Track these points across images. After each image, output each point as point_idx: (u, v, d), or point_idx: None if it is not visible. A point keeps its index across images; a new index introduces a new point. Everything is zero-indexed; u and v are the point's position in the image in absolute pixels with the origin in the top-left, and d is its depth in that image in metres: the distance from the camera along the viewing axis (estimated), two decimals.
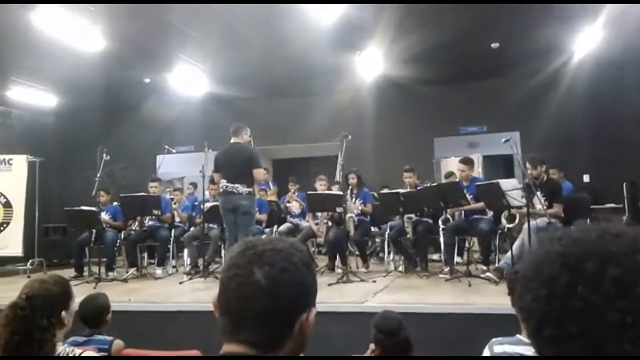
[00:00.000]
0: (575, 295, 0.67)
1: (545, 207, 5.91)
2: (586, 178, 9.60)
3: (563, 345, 0.68)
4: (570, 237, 0.73)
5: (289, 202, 8.48)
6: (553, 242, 0.74)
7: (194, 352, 3.09)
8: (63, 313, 2.13)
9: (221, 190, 6.24)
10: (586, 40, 8.17)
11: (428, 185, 7.44)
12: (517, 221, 5.90)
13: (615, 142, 9.38)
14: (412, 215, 6.90)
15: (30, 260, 8.62)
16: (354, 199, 7.30)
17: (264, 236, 6.50)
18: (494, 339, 2.35)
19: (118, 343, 3.05)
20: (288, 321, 0.98)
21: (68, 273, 7.27)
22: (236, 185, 6.07)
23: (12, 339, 1.93)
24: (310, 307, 1.02)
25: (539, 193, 5.93)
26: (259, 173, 6.29)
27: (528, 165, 6.18)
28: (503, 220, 6.04)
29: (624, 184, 8.53)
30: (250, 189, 6.15)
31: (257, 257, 0.99)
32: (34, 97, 10.42)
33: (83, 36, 7.30)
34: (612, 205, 8.84)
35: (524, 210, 5.70)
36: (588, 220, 6.30)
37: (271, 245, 1.01)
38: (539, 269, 0.73)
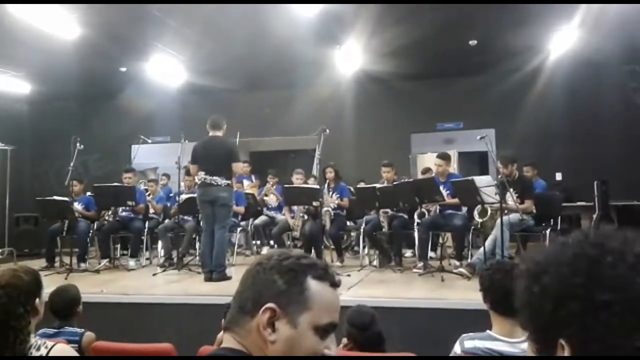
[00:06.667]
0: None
1: (517, 203, 6.01)
2: (559, 176, 9.75)
3: (588, 318, 0.74)
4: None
5: (266, 195, 8.46)
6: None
7: (167, 345, 3.07)
8: (37, 301, 2.13)
9: (199, 182, 6.20)
10: (562, 40, 8.29)
11: (404, 180, 7.47)
12: (488, 215, 5.98)
13: (588, 141, 9.54)
14: (389, 210, 6.95)
15: (0, 250, 8.49)
16: (331, 193, 7.31)
17: (239, 229, 6.41)
18: (464, 335, 2.38)
19: (89, 335, 3.02)
20: (246, 305, 1.11)
21: (39, 263, 7.18)
22: (215, 177, 6.04)
23: None
24: (264, 308, 1.09)
25: (511, 190, 6.02)
26: (238, 167, 6.36)
27: (499, 164, 6.26)
28: (475, 215, 6.11)
29: (595, 183, 8.67)
30: (229, 182, 6.13)
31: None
32: (7, 83, 10.18)
33: (58, 23, 7.15)
34: (583, 203, 8.99)
35: (497, 206, 5.79)
36: (559, 219, 6.43)
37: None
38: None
